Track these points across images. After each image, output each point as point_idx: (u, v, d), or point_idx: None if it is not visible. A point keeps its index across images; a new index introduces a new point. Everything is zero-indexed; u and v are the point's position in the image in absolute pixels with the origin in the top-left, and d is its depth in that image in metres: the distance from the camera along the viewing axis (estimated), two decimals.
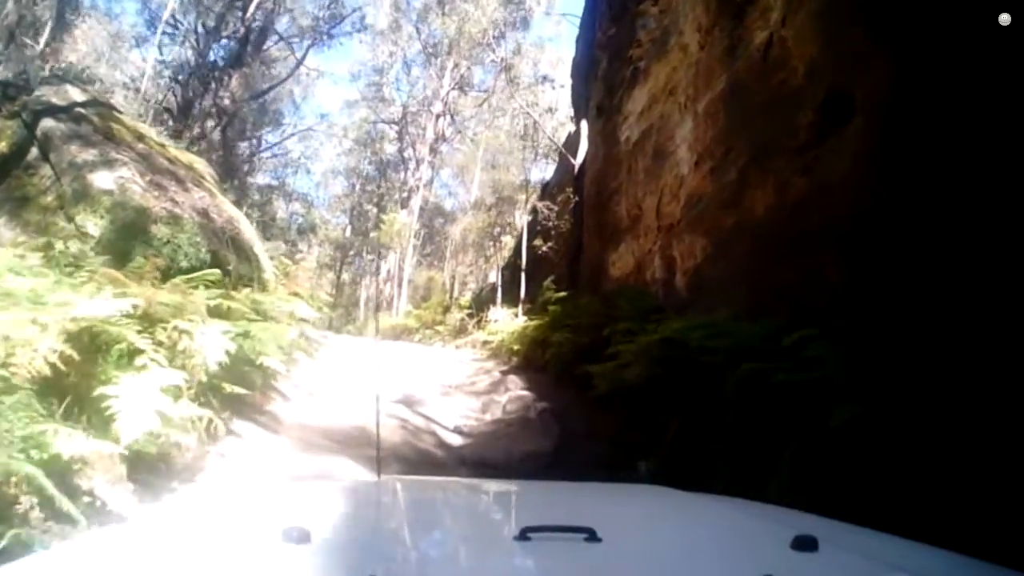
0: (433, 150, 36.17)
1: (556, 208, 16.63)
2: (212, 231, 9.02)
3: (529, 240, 18.09)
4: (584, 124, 16.11)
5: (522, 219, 22.33)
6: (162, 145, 10.88)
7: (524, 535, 1.44)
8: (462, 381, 12.15)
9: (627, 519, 1.97)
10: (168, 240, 8.12)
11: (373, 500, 2.28)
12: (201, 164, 11.72)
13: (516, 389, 10.81)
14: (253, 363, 7.18)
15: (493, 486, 3.19)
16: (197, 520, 1.77)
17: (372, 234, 34.31)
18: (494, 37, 27.75)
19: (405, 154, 37.75)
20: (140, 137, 10.16)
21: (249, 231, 10.55)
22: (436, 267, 36.75)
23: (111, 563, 1.34)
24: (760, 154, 7.44)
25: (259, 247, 10.59)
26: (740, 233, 7.74)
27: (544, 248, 16.32)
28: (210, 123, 25.48)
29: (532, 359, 12.79)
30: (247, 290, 8.66)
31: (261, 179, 38.94)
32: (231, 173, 31.50)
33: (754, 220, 7.47)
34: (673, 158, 9.56)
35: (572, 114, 19.64)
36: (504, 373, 12.96)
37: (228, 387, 6.55)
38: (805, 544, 1.43)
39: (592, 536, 1.44)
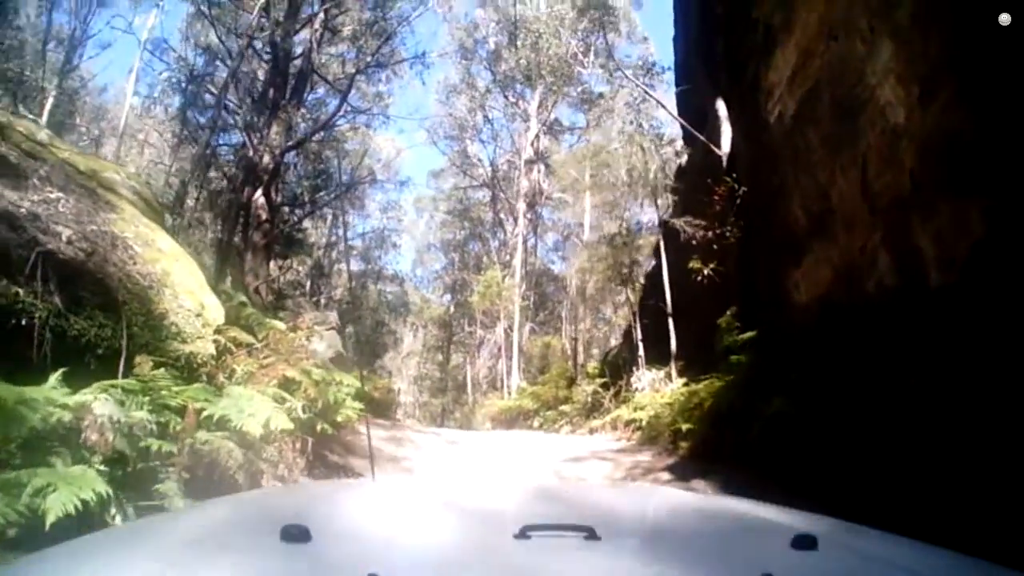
0: (530, 204, 32.49)
1: (703, 222, 12.24)
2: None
3: (671, 270, 14.23)
4: (720, 104, 13.32)
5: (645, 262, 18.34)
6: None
7: (524, 534, 1.45)
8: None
9: (627, 518, 1.99)
10: None
11: (373, 499, 2.22)
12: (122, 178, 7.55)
13: None
14: None
15: (493, 485, 3.24)
16: (197, 519, 1.79)
17: (472, 299, 30.29)
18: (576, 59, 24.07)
19: (501, 215, 34.88)
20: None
21: (186, 277, 6.20)
22: (553, 334, 32.37)
23: (111, 563, 1.35)
24: None
25: (208, 300, 6.26)
26: None
27: (707, 271, 11.53)
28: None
29: (712, 444, 9.10)
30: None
31: (353, 267, 37.49)
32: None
33: None
34: (871, 107, 7.54)
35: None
36: (674, 474, 8.71)
37: None
38: (805, 543, 1.44)
39: (592, 535, 1.46)
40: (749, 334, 9.78)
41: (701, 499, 2.64)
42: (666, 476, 8.48)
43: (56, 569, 1.33)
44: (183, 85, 19.65)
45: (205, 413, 4.80)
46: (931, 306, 6.46)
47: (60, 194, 6.05)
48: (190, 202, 20.12)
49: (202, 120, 19.73)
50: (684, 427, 9.98)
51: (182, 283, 6.23)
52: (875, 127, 7.53)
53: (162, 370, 4.80)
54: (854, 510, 4.88)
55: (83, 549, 1.48)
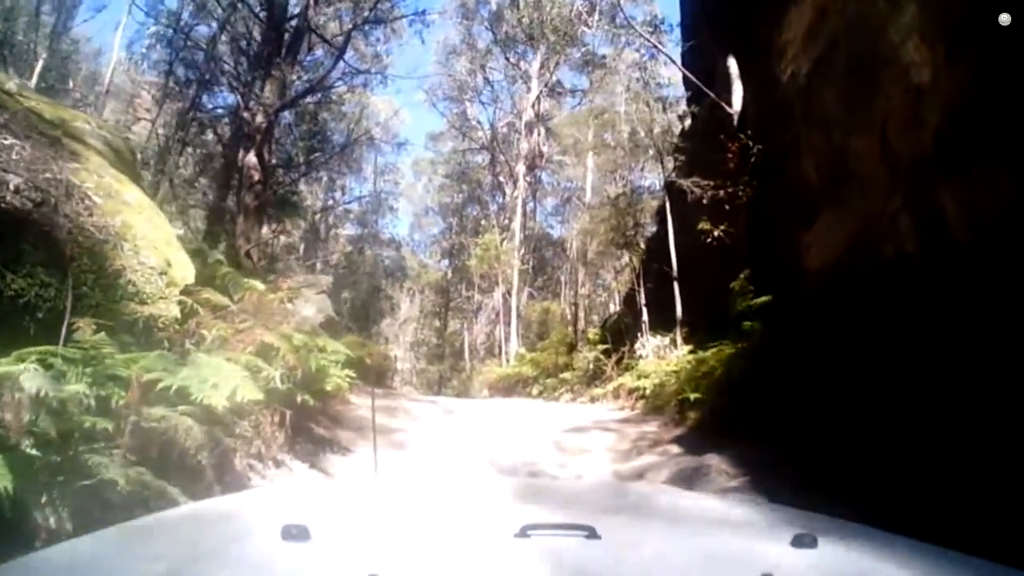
0: (530, 167, 31.73)
1: (712, 182, 11.56)
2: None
3: (676, 232, 13.65)
4: (732, 62, 12.68)
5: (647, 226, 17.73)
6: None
7: (524, 533, 1.46)
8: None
9: (626, 517, 1.97)
10: None
11: (373, 498, 2.24)
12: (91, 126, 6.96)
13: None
14: None
15: (493, 484, 3.22)
16: (198, 519, 1.81)
17: (470, 263, 29.57)
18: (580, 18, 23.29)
19: (500, 178, 33.93)
20: None
21: (151, 231, 5.62)
22: (552, 300, 31.79)
23: (111, 563, 1.37)
24: None
25: (177, 257, 5.69)
26: None
27: (718, 233, 10.88)
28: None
29: (722, 415, 8.47)
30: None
31: (350, 230, 37.02)
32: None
33: None
34: (893, 66, 7.40)
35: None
36: (683, 447, 8.10)
37: None
38: (805, 543, 1.45)
39: (592, 534, 1.47)
40: (763, 299, 9.20)
41: (701, 499, 2.65)
42: (675, 449, 7.95)
43: (56, 568, 1.35)
44: (169, 38, 18.82)
45: (162, 385, 4.21)
46: (954, 272, 6.17)
47: (15, 140, 5.45)
48: (182, 160, 19.67)
49: (191, 76, 18.92)
50: (692, 396, 9.46)
51: (145, 237, 5.63)
52: (897, 86, 7.28)
53: (102, 334, 4.14)
54: (873, 495, 4.69)
55: (83, 549, 1.48)
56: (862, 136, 8.12)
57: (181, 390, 4.25)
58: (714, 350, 9.92)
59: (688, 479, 6.49)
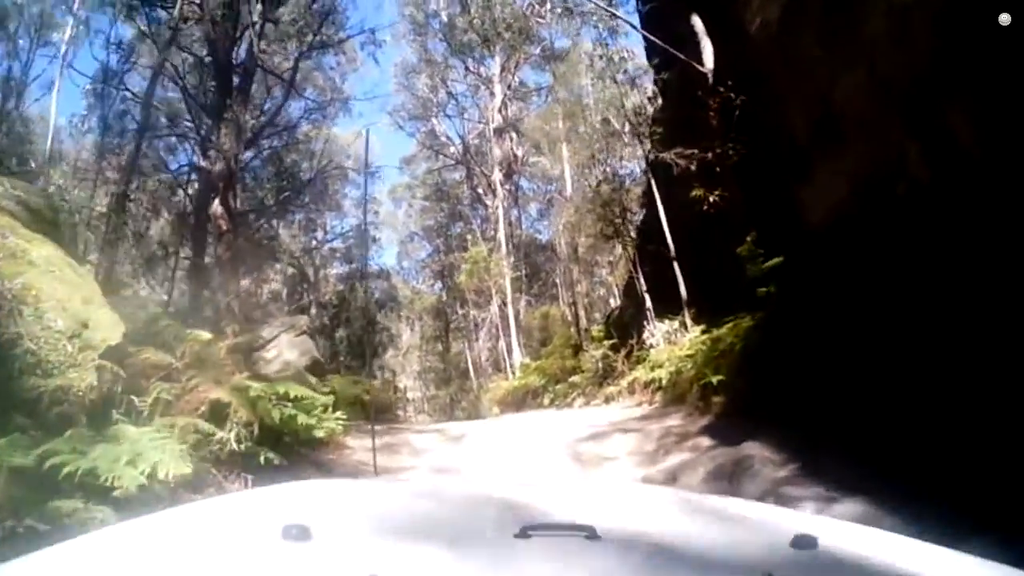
0: (507, 174, 31.27)
1: (695, 150, 10.98)
2: None
3: (667, 211, 12.92)
4: (696, 20, 12.08)
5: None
6: None
7: (524, 533, 1.45)
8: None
9: (627, 518, 1.90)
10: None
11: (373, 498, 2.18)
12: None
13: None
14: None
15: (494, 485, 3.14)
16: (198, 518, 1.79)
17: (460, 279, 29.07)
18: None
19: (479, 189, 33.43)
20: None
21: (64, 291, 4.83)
22: (549, 304, 31.07)
23: (111, 562, 1.35)
24: None
25: (99, 316, 4.93)
26: None
27: (713, 198, 10.21)
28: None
29: (750, 396, 7.79)
30: None
31: (338, 269, 36.61)
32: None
33: None
34: None
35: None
36: (715, 438, 7.32)
37: None
38: (805, 543, 1.43)
39: (592, 535, 1.45)
40: (774, 261, 8.41)
41: (701, 499, 2.48)
42: (706, 442, 7.13)
43: (56, 569, 1.33)
44: (102, 89, 18.11)
45: (66, 470, 3.36)
46: (971, 197, 5.75)
47: None
48: (158, 225, 19.13)
49: (129, 128, 18.23)
50: (714, 380, 8.73)
51: (53, 298, 4.78)
52: (878, 10, 6.95)
53: None
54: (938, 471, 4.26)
55: (83, 549, 1.45)
56: (850, 71, 7.62)
57: (90, 473, 3.39)
58: (728, 325, 9.23)
59: (729, 476, 5.67)
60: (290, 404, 6.21)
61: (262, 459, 5.47)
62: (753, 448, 5.92)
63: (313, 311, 28.82)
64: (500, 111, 30.95)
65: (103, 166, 18.35)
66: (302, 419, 6.19)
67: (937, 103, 6.36)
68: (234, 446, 4.95)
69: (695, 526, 1.78)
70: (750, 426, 6.81)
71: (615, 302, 21.66)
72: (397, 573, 1.27)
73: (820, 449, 5.44)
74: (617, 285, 21.41)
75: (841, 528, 1.76)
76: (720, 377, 8.61)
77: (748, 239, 9.01)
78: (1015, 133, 5.57)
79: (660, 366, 11.30)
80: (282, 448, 6.64)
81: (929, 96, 6.44)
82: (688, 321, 11.99)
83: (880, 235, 6.93)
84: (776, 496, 6.34)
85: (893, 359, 5.92)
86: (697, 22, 11.82)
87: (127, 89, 18.70)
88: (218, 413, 5.32)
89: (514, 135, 31.78)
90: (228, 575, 1.27)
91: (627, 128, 15.97)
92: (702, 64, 11.39)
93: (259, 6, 19.33)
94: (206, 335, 6.41)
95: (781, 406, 6.75)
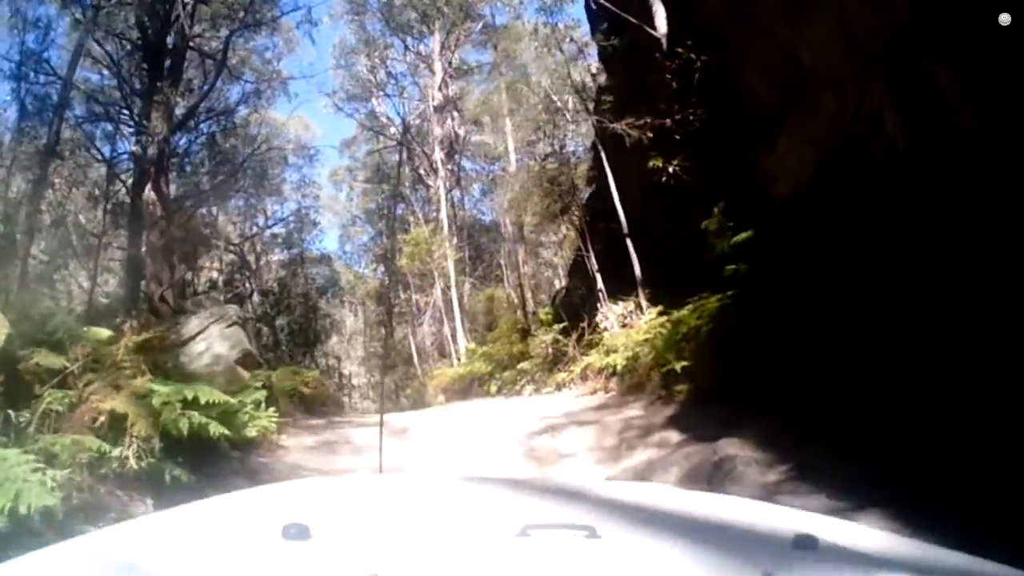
0: (448, 153, 30.57)
1: (650, 119, 10.42)
2: None
3: (618, 186, 12.40)
4: None
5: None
6: None
7: (525, 532, 1.44)
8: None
9: (627, 517, 1.90)
10: None
11: (373, 496, 2.20)
12: None
13: None
14: None
15: (493, 483, 3.00)
16: (197, 517, 1.76)
17: (401, 262, 28.35)
18: None
19: (421, 170, 32.56)
20: None
21: None
22: (494, 287, 30.69)
23: (111, 562, 1.34)
24: None
25: None
26: None
27: (673, 168, 9.60)
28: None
29: (721, 382, 7.37)
30: None
31: (280, 256, 35.88)
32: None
33: None
34: None
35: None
36: (684, 431, 6.78)
37: None
38: (805, 543, 1.41)
39: (592, 534, 1.44)
40: (744, 235, 7.88)
41: (701, 498, 2.43)
42: (675, 436, 6.60)
43: (56, 569, 1.31)
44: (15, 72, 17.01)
45: None
46: (960, 167, 5.38)
47: None
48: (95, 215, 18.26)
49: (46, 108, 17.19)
50: (677, 366, 8.25)
51: None
52: None
53: None
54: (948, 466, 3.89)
55: (83, 549, 1.45)
56: (815, 26, 7.24)
57: None
58: (690, 307, 8.68)
59: (708, 478, 5.07)
60: (200, 410, 5.42)
61: (167, 477, 4.71)
62: (732, 445, 5.32)
63: (255, 299, 28.07)
64: (440, 90, 30.27)
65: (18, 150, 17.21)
66: (214, 428, 5.39)
67: (920, 60, 5.88)
68: (133, 464, 4.20)
69: (695, 526, 1.79)
70: (723, 416, 6.34)
71: (559, 283, 21.36)
72: (397, 573, 1.27)
73: (808, 443, 4.90)
74: (562, 266, 21.04)
75: (841, 528, 1.75)
76: (684, 363, 8.13)
77: (716, 210, 8.45)
78: (1010, 93, 5.14)
79: (615, 351, 10.85)
80: (204, 454, 5.96)
81: (911, 52, 5.97)
82: (643, 302, 11.49)
83: (855, 205, 6.59)
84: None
85: (878, 340, 5.51)
86: None
87: (52, 70, 17.60)
88: (119, 424, 4.58)
89: (455, 114, 31.32)
90: (228, 575, 1.26)
91: (574, 100, 15.45)
92: (655, 29, 10.85)
93: None
94: (105, 332, 5.62)
95: (758, 393, 6.28)
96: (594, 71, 15.61)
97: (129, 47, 19.14)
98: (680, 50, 9.62)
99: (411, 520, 1.73)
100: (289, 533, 1.33)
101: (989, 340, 4.57)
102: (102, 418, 4.53)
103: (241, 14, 20.51)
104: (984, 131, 5.16)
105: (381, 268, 37.53)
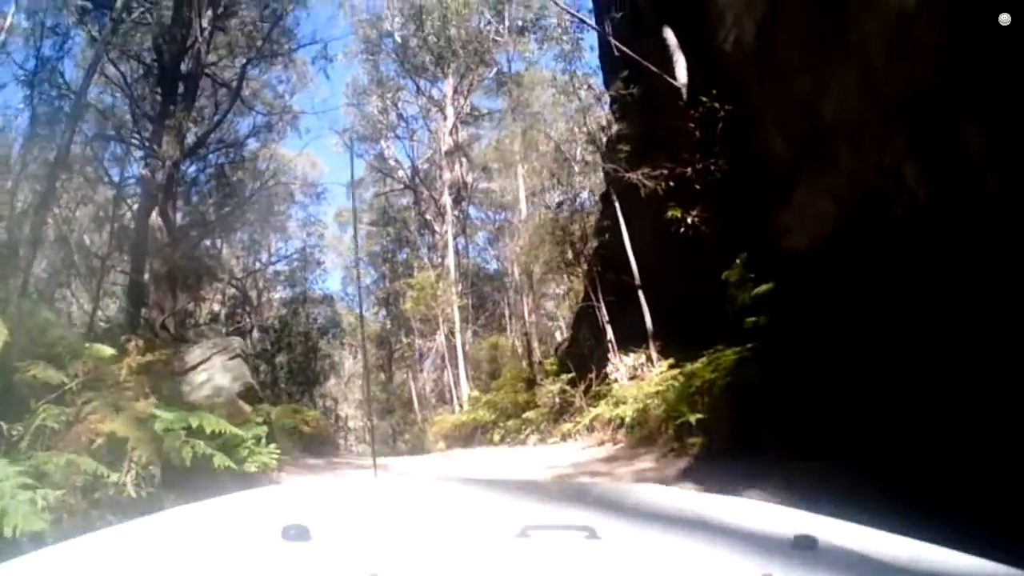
0: (456, 199, 30.74)
1: (665, 170, 10.34)
2: None
3: (631, 236, 12.31)
4: (668, 32, 11.52)
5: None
6: None
7: (525, 533, 1.46)
8: None
9: (627, 518, 1.96)
10: None
11: (373, 498, 2.25)
12: None
13: None
14: None
15: (493, 485, 3.26)
16: (197, 519, 1.77)
17: (406, 305, 28.37)
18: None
19: (427, 215, 32.77)
20: None
21: None
22: (498, 335, 30.47)
23: (111, 563, 1.34)
24: None
25: None
26: None
27: (692, 219, 9.53)
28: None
29: (739, 435, 7.13)
30: None
31: (282, 293, 35.76)
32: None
33: None
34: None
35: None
36: (700, 484, 6.52)
37: None
38: (805, 543, 1.42)
39: (592, 534, 1.46)
40: (765, 287, 7.69)
41: (701, 499, 2.50)
42: (691, 489, 6.31)
43: (56, 568, 1.32)
44: (32, 79, 17.04)
45: None
46: (982, 220, 5.34)
47: None
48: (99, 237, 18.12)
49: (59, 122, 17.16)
50: (692, 419, 8.04)
51: None
52: (876, 15, 6.58)
53: None
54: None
55: (83, 549, 1.43)
56: (839, 81, 7.27)
57: None
58: (704, 360, 8.49)
59: None
60: (204, 441, 5.17)
61: (166, 508, 4.51)
62: (755, 496, 5.13)
63: (255, 335, 27.85)
64: (451, 134, 30.48)
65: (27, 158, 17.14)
66: (219, 460, 5.16)
67: (946, 117, 5.85)
68: (132, 492, 3.97)
69: (695, 526, 1.79)
70: (740, 469, 6.08)
71: (559, 336, 21.16)
72: (397, 573, 1.24)
73: (844, 498, 4.70)
74: (564, 316, 20.83)
75: (841, 528, 1.72)
76: (699, 415, 7.92)
77: (738, 261, 8.27)
78: None
79: (624, 402, 10.62)
80: (205, 486, 5.78)
81: (935, 108, 5.93)
82: (654, 355, 11.30)
83: (874, 259, 6.47)
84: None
85: (900, 394, 5.35)
86: (670, 35, 11.31)
87: (65, 83, 17.58)
88: (118, 447, 4.37)
89: (464, 160, 31.39)
90: (228, 575, 1.24)
91: (589, 147, 15.45)
92: (675, 79, 10.80)
93: (209, 12, 18.58)
94: (108, 350, 5.40)
95: (779, 447, 6.02)
96: (604, 123, 15.64)
97: (143, 70, 19.11)
98: (704, 99, 9.54)
99: (411, 521, 1.75)
100: (289, 534, 1.34)
101: (1013, 403, 4.44)
102: (100, 440, 4.33)
103: (259, 43, 20.71)
104: (1007, 186, 5.10)
105: (383, 311, 37.41)
